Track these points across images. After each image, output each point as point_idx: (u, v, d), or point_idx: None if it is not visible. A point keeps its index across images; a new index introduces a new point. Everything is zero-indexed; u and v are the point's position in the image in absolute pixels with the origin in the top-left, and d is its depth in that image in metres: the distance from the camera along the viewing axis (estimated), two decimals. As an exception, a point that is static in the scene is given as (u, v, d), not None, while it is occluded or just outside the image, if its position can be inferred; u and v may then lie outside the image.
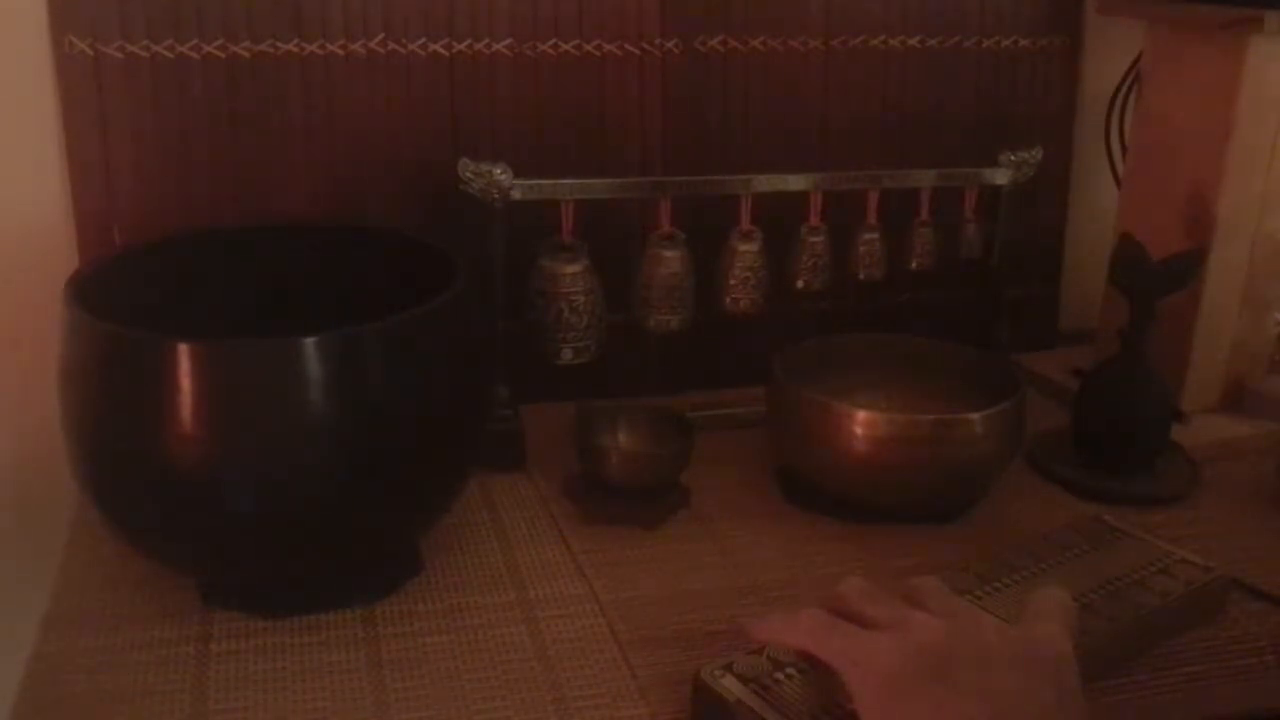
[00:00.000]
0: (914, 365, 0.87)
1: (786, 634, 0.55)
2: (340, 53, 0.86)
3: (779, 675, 0.57)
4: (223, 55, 0.84)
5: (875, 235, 0.91)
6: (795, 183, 0.88)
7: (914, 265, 0.94)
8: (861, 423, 0.75)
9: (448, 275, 0.69)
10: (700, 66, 0.94)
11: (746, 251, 0.87)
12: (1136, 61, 0.98)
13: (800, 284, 0.90)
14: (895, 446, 0.75)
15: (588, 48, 0.91)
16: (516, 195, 0.81)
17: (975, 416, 0.75)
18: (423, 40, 0.88)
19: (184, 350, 0.58)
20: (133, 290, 0.71)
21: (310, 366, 0.59)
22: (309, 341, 0.59)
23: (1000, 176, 0.93)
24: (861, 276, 0.92)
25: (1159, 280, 0.82)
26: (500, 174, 0.80)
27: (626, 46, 0.92)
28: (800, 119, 0.98)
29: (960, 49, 1.01)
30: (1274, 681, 0.64)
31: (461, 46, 0.89)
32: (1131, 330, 0.83)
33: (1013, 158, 0.93)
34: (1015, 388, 0.78)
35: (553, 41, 0.91)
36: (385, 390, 0.62)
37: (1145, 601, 0.65)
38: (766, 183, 0.86)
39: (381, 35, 0.87)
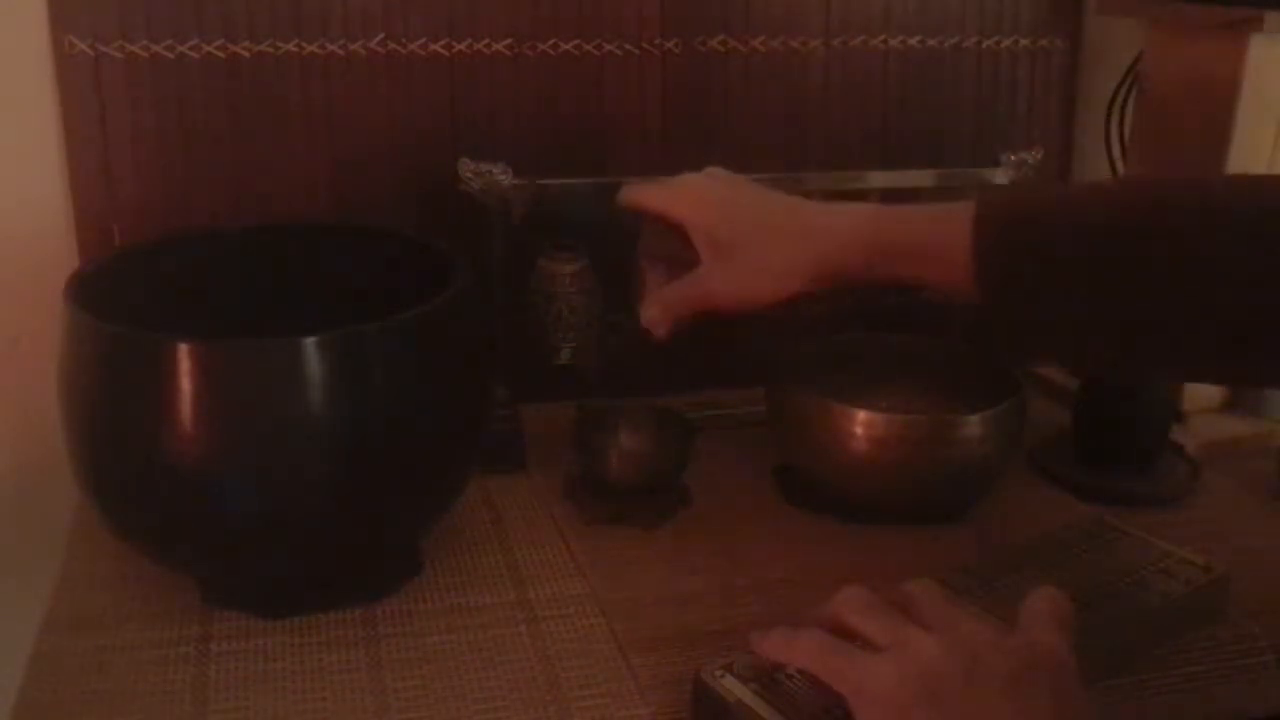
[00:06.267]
0: (914, 365, 0.87)
1: (785, 653, 0.56)
2: (340, 53, 0.86)
3: (779, 675, 0.57)
4: (223, 55, 0.84)
5: (875, 235, 0.91)
6: (795, 183, 0.88)
7: (914, 265, 0.94)
8: (861, 423, 0.75)
9: (448, 275, 0.69)
10: (700, 66, 0.94)
11: (746, 251, 0.87)
12: (1136, 61, 0.98)
13: (800, 284, 0.90)
14: (895, 446, 0.75)
15: (588, 48, 0.91)
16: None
17: (975, 416, 0.75)
18: (423, 40, 0.88)
19: (184, 350, 0.58)
20: (133, 290, 0.71)
21: (310, 366, 0.59)
22: (309, 341, 0.59)
23: (1000, 176, 0.93)
24: (862, 276, 0.92)
25: (1159, 280, 0.82)
26: (500, 174, 0.80)
27: (626, 46, 0.92)
28: (800, 119, 0.98)
29: (960, 49, 1.01)
30: (1274, 682, 0.64)
31: (461, 46, 0.89)
32: (1131, 330, 0.83)
33: (1013, 158, 0.93)
34: (1015, 388, 0.78)
35: (553, 41, 0.91)
36: (385, 390, 0.62)
37: (1145, 601, 0.65)
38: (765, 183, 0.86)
39: (381, 35, 0.87)
